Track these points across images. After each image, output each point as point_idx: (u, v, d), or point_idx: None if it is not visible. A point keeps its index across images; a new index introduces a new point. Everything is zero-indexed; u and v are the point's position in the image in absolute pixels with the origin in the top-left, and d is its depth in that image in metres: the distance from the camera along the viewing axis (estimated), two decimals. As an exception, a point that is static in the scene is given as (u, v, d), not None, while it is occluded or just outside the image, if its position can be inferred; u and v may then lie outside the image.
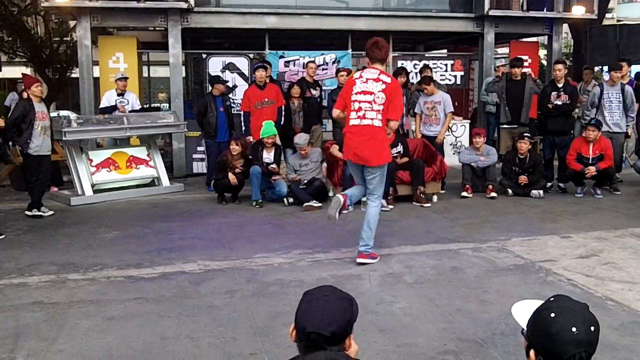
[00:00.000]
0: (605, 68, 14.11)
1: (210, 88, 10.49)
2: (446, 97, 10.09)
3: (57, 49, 22.31)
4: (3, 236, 7.22)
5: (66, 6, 11.44)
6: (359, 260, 6.02)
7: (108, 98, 10.50)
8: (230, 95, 11.36)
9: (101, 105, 10.56)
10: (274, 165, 9.15)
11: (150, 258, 6.30)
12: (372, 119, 5.94)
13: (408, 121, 10.35)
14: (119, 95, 10.47)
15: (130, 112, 10.38)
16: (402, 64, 13.17)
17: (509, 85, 10.25)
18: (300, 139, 9.28)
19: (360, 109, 5.94)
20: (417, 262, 6.09)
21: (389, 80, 6.02)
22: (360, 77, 6.06)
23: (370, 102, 5.92)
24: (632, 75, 12.26)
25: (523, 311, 2.24)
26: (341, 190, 8.70)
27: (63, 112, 22.20)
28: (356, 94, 5.99)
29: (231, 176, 9.05)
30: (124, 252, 6.55)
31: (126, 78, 10.61)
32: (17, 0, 21.68)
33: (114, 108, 10.28)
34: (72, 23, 18.63)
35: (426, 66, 11.95)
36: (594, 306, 4.38)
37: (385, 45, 6.10)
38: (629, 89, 10.20)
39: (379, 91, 5.92)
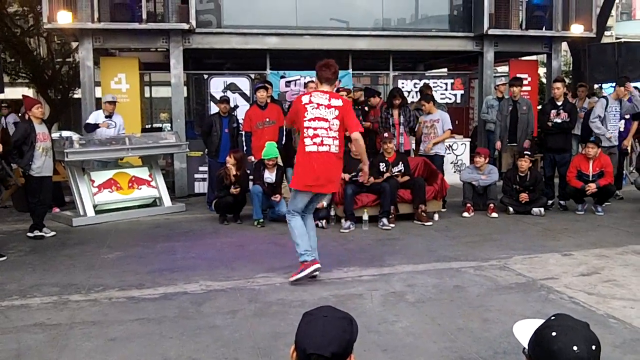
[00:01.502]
0: (605, 85, 14.25)
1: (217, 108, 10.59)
2: (445, 115, 10.16)
3: (60, 69, 22.46)
4: (4, 257, 7.22)
5: (69, 28, 11.53)
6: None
7: (96, 118, 10.43)
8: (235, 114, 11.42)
9: (88, 121, 10.45)
10: (276, 197, 9.15)
11: (152, 278, 6.30)
12: (329, 145, 5.95)
13: (409, 140, 10.37)
14: (106, 117, 10.43)
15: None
16: (402, 83, 13.27)
17: (513, 109, 10.31)
18: None
19: (316, 135, 5.92)
20: (419, 280, 6.09)
21: (339, 103, 6.02)
22: (310, 102, 5.98)
23: (326, 129, 5.93)
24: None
25: (524, 330, 2.24)
26: (342, 209, 8.76)
27: (65, 133, 22.29)
28: (309, 120, 5.94)
29: (233, 190, 9.10)
30: (126, 272, 6.55)
31: (115, 102, 10.55)
32: (20, 22, 21.86)
33: (96, 126, 10.21)
34: (74, 44, 18.79)
35: (427, 86, 12.02)
36: (595, 324, 4.38)
37: (334, 66, 6.07)
38: (626, 102, 10.39)
39: (333, 118, 5.93)
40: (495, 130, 10.92)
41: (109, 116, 10.41)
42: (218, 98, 11.34)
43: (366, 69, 15.85)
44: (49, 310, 5.35)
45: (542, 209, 9.50)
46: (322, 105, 5.95)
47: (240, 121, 11.24)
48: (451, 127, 10.29)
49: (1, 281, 6.29)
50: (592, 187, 9.32)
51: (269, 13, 12.64)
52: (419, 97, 12.30)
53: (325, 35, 12.70)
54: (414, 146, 10.75)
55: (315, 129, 5.92)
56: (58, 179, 10.07)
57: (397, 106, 10.12)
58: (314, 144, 5.94)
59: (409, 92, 13.12)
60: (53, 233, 8.55)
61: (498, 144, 10.75)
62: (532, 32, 13.22)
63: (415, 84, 13.51)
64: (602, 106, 10.31)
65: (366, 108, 11.34)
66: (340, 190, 8.86)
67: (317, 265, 6.05)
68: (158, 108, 22.67)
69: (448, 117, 10.20)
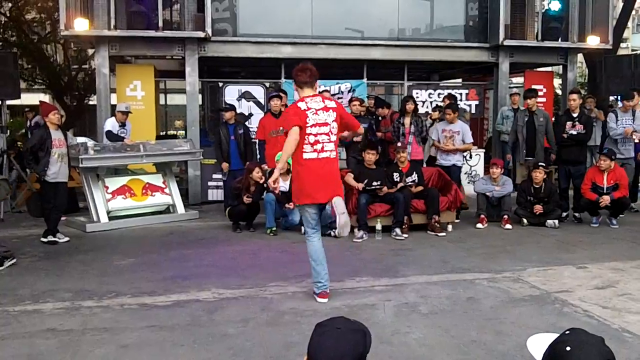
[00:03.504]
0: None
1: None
2: (465, 127, 10.14)
3: (76, 76, 22.66)
4: (14, 260, 7.21)
5: (85, 35, 11.61)
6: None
7: (112, 125, 10.53)
8: (246, 123, 11.44)
9: (107, 128, 10.51)
10: (290, 205, 9.12)
11: (165, 286, 6.30)
12: (330, 151, 5.66)
13: (421, 150, 10.34)
14: (120, 126, 10.52)
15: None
16: (417, 93, 13.25)
17: (529, 120, 10.23)
18: None
19: (317, 142, 5.59)
20: (432, 292, 6.05)
21: (334, 104, 5.81)
22: (309, 108, 5.64)
23: (327, 134, 5.64)
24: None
25: (538, 344, 2.22)
26: (355, 219, 8.74)
27: (80, 139, 22.44)
28: (311, 126, 5.59)
29: (246, 199, 9.11)
30: (139, 279, 6.57)
31: (128, 113, 10.64)
32: (38, 29, 22.10)
33: (120, 139, 10.33)
34: (90, 51, 18.95)
35: (451, 95, 12.03)
36: (610, 338, 4.34)
37: (310, 69, 5.83)
38: (639, 114, 10.29)
39: (332, 121, 5.67)
40: (509, 142, 10.85)
41: (122, 125, 10.49)
42: (224, 106, 11.38)
43: (381, 78, 15.85)
44: (61, 316, 5.36)
45: (556, 221, 9.44)
46: (319, 109, 5.67)
47: (254, 129, 11.30)
48: (472, 140, 10.27)
49: (14, 286, 6.32)
50: (605, 199, 9.24)
51: (285, 22, 12.69)
52: (435, 107, 12.34)
53: (340, 44, 12.72)
54: (426, 156, 10.73)
55: (316, 135, 5.59)
56: (72, 185, 10.12)
57: (409, 114, 10.10)
58: (314, 150, 5.62)
59: (423, 103, 13.11)
60: (67, 239, 8.59)
61: (509, 156, 10.70)
62: (547, 43, 13.18)
63: (429, 94, 13.50)
64: (613, 122, 10.23)
65: (380, 118, 11.35)
66: (354, 199, 8.86)
67: (324, 300, 5.73)
68: (173, 115, 22.80)
69: (469, 130, 10.19)
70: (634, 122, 10.24)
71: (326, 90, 11.47)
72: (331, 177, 5.71)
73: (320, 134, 5.62)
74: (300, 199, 5.79)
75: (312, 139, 5.60)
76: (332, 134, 5.67)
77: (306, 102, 5.71)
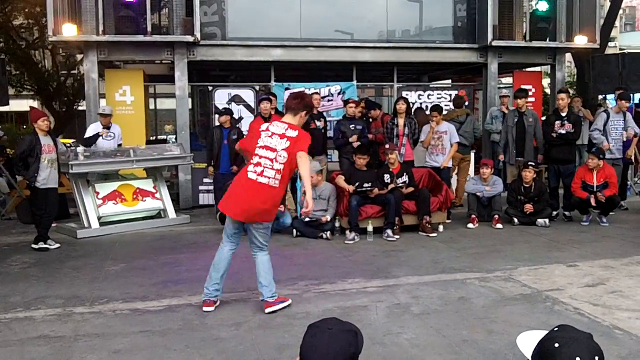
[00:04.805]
0: (610, 96, 14.28)
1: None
2: (451, 127, 10.19)
3: (64, 82, 22.61)
4: None
5: (74, 40, 11.57)
6: (268, 309, 5.53)
7: (95, 129, 10.37)
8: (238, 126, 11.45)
9: (88, 134, 10.34)
10: (281, 207, 9.05)
11: (157, 290, 6.29)
12: (269, 178, 5.42)
13: (412, 151, 10.35)
14: (105, 129, 10.41)
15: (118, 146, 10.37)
16: (407, 94, 13.26)
17: (519, 121, 10.26)
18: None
19: (259, 164, 5.44)
20: (424, 292, 6.07)
21: (294, 134, 5.49)
22: (267, 129, 5.54)
23: (271, 160, 5.43)
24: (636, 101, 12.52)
25: (528, 341, 2.24)
26: (347, 220, 8.76)
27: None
28: (259, 147, 5.49)
29: None
30: (130, 284, 6.55)
31: (109, 115, 10.44)
32: (25, 35, 22.02)
33: (97, 136, 10.15)
34: (79, 56, 18.88)
35: (458, 97, 12.12)
36: (601, 335, 4.37)
37: (302, 97, 5.71)
38: (629, 114, 10.47)
39: (282, 149, 5.44)
40: (500, 142, 10.89)
41: (106, 127, 10.41)
42: (220, 109, 11.36)
43: (370, 80, 15.86)
44: (53, 323, 5.34)
45: (547, 220, 9.49)
46: (275, 134, 5.48)
47: (244, 132, 11.28)
48: (458, 140, 10.32)
49: (5, 293, 6.29)
50: (599, 196, 9.25)
51: (274, 25, 12.68)
52: (415, 110, 12.38)
53: (329, 47, 12.72)
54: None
55: (260, 156, 5.45)
56: (63, 191, 10.08)
57: (402, 115, 10.10)
58: (255, 172, 5.44)
59: (413, 104, 13.13)
60: (57, 245, 8.55)
61: (501, 157, 10.71)
62: (536, 44, 13.21)
63: (419, 95, 13.53)
64: (602, 120, 10.33)
65: (371, 120, 11.37)
66: (345, 201, 8.87)
67: (209, 309, 5.61)
68: (163, 120, 22.73)
69: (455, 129, 10.23)
70: (625, 124, 10.36)
71: (316, 93, 11.48)
72: (260, 203, 5.48)
73: (264, 157, 5.45)
74: (223, 208, 5.75)
75: (256, 159, 5.48)
76: (276, 161, 5.43)
77: (270, 124, 5.61)
